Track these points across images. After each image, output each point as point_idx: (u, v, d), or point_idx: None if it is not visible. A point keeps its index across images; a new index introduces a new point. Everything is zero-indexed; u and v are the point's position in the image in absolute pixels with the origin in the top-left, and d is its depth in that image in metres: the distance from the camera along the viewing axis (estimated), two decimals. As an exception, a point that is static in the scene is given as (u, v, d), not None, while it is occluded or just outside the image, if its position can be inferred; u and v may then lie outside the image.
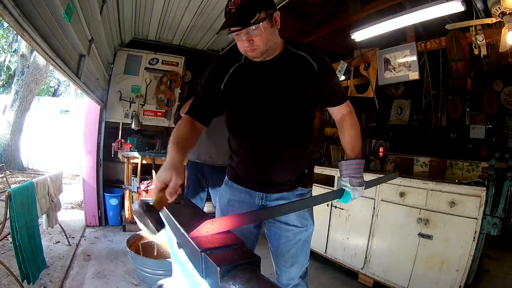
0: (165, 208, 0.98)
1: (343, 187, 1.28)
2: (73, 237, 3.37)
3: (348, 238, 2.98)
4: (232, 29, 1.13)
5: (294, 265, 1.41)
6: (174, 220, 0.89)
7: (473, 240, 2.17)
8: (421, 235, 2.42)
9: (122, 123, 4.02)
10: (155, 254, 2.89)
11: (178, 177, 0.95)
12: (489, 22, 2.62)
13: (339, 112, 1.38)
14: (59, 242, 3.19)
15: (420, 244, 2.43)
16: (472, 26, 2.85)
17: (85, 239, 3.39)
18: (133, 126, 3.89)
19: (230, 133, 1.43)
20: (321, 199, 1.23)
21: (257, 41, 1.14)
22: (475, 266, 2.24)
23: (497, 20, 2.51)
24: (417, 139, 5.03)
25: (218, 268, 0.59)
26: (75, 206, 4.74)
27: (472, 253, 2.17)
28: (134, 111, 4.00)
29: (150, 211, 0.91)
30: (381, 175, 1.88)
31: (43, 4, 1.42)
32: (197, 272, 0.70)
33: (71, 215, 4.20)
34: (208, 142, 2.80)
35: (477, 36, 2.91)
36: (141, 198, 3.74)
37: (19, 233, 2.05)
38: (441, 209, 2.36)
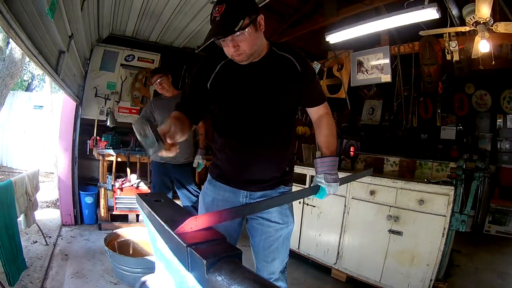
0: (147, 205, 0.99)
1: (318, 184, 1.34)
2: (50, 237, 3.30)
3: (320, 235, 3.06)
4: (218, 36, 1.16)
5: (275, 260, 1.46)
6: (157, 217, 0.91)
7: (442, 236, 2.30)
8: (392, 231, 2.54)
9: (97, 120, 3.97)
10: (131, 252, 2.87)
11: (176, 127, 1.11)
12: (463, 30, 2.75)
13: (317, 113, 1.44)
14: (36, 242, 3.12)
15: (391, 240, 2.54)
16: (446, 32, 2.99)
17: (62, 239, 3.32)
18: (108, 123, 3.84)
19: (215, 132, 1.45)
20: (298, 195, 1.29)
21: (243, 46, 1.18)
22: (445, 261, 2.37)
23: (471, 28, 2.65)
24: (387, 139, 5.22)
25: (205, 261, 0.61)
26: (50, 205, 4.61)
27: (442, 248, 2.29)
28: (109, 108, 3.97)
29: (150, 122, 0.96)
30: (351, 174, 1.95)
31: (29, 0, 1.39)
32: (182, 267, 0.72)
33: (47, 214, 4.10)
34: None
35: (450, 42, 3.07)
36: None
37: (-1, 233, 1.99)
38: (410, 206, 2.48)
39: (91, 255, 2.96)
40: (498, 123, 4.83)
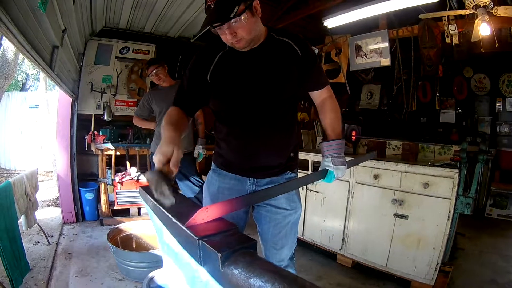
0: (151, 198, 0.96)
1: (326, 167, 1.32)
2: (52, 236, 3.27)
3: (324, 221, 3.05)
4: (214, 24, 1.12)
5: (284, 247, 1.45)
6: (163, 210, 0.88)
7: (448, 219, 2.29)
8: (397, 215, 2.53)
9: (94, 114, 3.93)
10: (134, 246, 2.86)
11: (179, 149, 0.97)
12: (462, 14, 2.73)
13: (320, 96, 1.43)
14: (38, 242, 3.10)
15: (396, 224, 2.54)
16: (445, 16, 2.94)
17: (64, 237, 3.30)
18: (105, 117, 3.81)
19: (217, 121, 1.42)
20: (307, 179, 1.27)
21: (240, 32, 1.14)
22: (450, 244, 2.37)
23: (471, 12, 2.61)
24: (387, 123, 5.20)
25: (219, 254, 0.58)
26: (50, 204, 4.58)
27: (447, 231, 2.29)
28: (105, 101, 3.93)
29: (166, 179, 0.91)
30: (355, 158, 1.93)
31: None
32: (194, 260, 0.69)
33: (48, 213, 4.07)
34: None
35: (449, 25, 3.02)
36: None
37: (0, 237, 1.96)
38: (415, 190, 2.46)
39: (95, 252, 2.94)
40: (497, 106, 4.80)
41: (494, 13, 2.54)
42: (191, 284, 0.79)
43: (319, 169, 1.36)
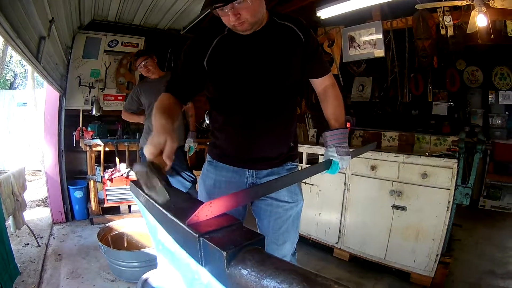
0: (143, 193, 0.88)
1: (331, 158, 1.27)
2: (41, 237, 3.17)
3: (320, 214, 2.99)
4: (216, 5, 1.03)
5: (286, 243, 1.38)
6: (157, 206, 0.80)
7: (447, 210, 2.26)
8: (395, 206, 2.49)
9: (83, 110, 3.82)
10: (125, 245, 2.77)
11: (173, 139, 0.87)
12: (459, 4, 2.72)
13: (322, 84, 1.37)
14: (28, 244, 2.98)
15: (395, 215, 2.50)
16: (440, 7, 2.94)
17: (53, 238, 3.19)
18: (94, 112, 3.71)
19: (213, 110, 1.34)
20: (311, 171, 1.21)
21: (245, 14, 1.06)
22: (448, 235, 2.34)
23: (467, 3, 2.61)
24: (378, 116, 5.18)
25: (224, 253, 0.51)
26: (39, 204, 4.44)
27: (447, 222, 2.26)
28: (94, 96, 3.84)
29: (158, 170, 0.80)
30: (356, 148, 1.89)
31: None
32: (193, 261, 0.62)
33: (37, 214, 3.94)
34: None
35: (444, 17, 3.01)
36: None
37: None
38: (413, 181, 2.43)
39: (85, 252, 2.85)
40: (490, 99, 4.82)
41: (491, 4, 2.54)
42: (190, 287, 0.72)
43: (323, 160, 1.30)
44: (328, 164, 1.26)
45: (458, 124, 4.83)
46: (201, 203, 0.84)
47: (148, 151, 0.86)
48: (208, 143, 1.44)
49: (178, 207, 0.78)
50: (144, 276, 1.05)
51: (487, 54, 4.46)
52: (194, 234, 0.58)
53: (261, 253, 0.53)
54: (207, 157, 1.41)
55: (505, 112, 4.70)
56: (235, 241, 0.55)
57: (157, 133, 0.89)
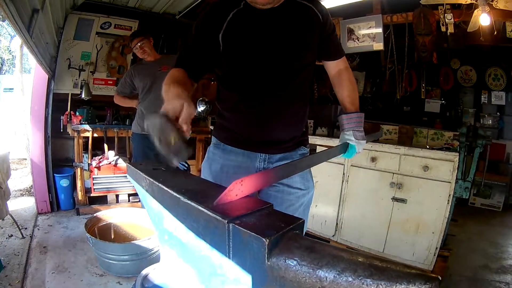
0: (147, 176, 0.80)
1: (348, 141, 1.22)
2: (26, 228, 3.00)
3: (316, 206, 2.92)
4: None
5: None
6: (167, 189, 0.70)
7: (448, 203, 2.24)
8: (395, 199, 2.46)
9: (71, 94, 3.63)
10: (113, 237, 2.64)
11: (190, 104, 0.78)
12: (463, 2, 2.73)
13: (337, 67, 1.31)
14: (12, 235, 2.82)
15: (394, 208, 2.47)
16: (441, 4, 2.96)
17: (38, 229, 3.03)
18: (83, 96, 3.52)
19: (223, 89, 1.24)
20: (328, 154, 1.14)
21: None
22: (447, 228, 2.33)
23: (471, 1, 2.62)
24: (369, 111, 5.15)
25: (265, 240, 0.42)
26: (24, 193, 4.22)
27: (447, 215, 2.24)
28: (83, 80, 3.63)
29: (175, 126, 0.70)
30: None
31: None
32: (216, 252, 0.52)
33: (22, 203, 3.74)
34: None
35: (446, 14, 3.01)
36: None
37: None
38: (414, 173, 2.40)
39: (72, 244, 2.72)
40: (482, 99, 4.85)
41: (494, 5, 2.55)
42: (208, 283, 0.62)
43: (339, 143, 1.24)
44: (344, 148, 1.21)
45: (449, 122, 4.85)
46: (217, 185, 0.75)
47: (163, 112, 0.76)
48: (215, 125, 1.34)
49: (191, 189, 0.68)
50: (144, 272, 0.93)
51: (481, 54, 4.47)
52: (222, 219, 0.48)
53: (306, 239, 0.44)
54: (213, 140, 1.31)
55: (497, 113, 4.73)
56: (274, 226, 0.46)
57: (172, 97, 0.81)
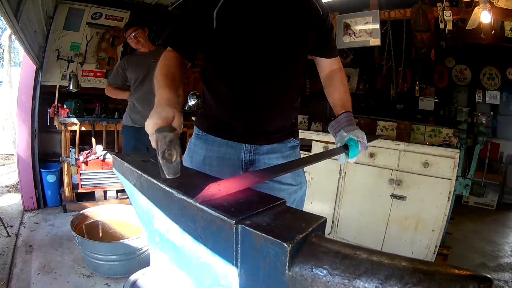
0: (135, 168, 0.75)
1: (353, 138, 1.13)
2: (11, 226, 2.87)
3: (311, 203, 2.86)
4: None
5: None
6: (158, 183, 0.61)
7: (448, 200, 2.20)
8: (394, 196, 2.40)
9: (59, 86, 3.48)
10: (101, 235, 2.53)
11: (180, 115, 0.79)
12: (464, 0, 2.71)
13: (330, 66, 1.26)
14: None
15: (393, 205, 2.41)
16: (440, 1, 2.96)
17: (24, 227, 2.91)
18: (71, 88, 3.37)
19: (211, 73, 1.15)
20: (329, 153, 1.06)
21: None
22: (447, 226, 2.28)
23: None
24: (361, 108, 5.12)
25: (287, 246, 0.33)
26: (11, 189, 4.08)
27: (447, 213, 2.19)
28: (72, 71, 3.48)
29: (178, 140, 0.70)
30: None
31: None
32: (219, 259, 0.43)
33: (7, 200, 3.60)
34: (145, 108, 2.64)
35: (444, 11, 2.99)
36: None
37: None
38: (414, 170, 2.34)
39: (58, 243, 2.60)
40: (477, 98, 4.84)
41: (495, 3, 2.53)
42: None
43: (337, 145, 1.16)
44: (347, 148, 1.13)
45: (443, 120, 4.85)
46: (215, 179, 0.65)
47: (154, 125, 0.73)
48: (197, 114, 1.26)
49: (186, 183, 0.60)
50: (132, 278, 0.83)
51: (477, 53, 4.46)
52: (229, 219, 0.39)
53: (334, 242, 0.36)
54: (195, 130, 1.22)
55: (491, 112, 4.74)
56: (294, 227, 0.37)
57: (164, 106, 0.79)
